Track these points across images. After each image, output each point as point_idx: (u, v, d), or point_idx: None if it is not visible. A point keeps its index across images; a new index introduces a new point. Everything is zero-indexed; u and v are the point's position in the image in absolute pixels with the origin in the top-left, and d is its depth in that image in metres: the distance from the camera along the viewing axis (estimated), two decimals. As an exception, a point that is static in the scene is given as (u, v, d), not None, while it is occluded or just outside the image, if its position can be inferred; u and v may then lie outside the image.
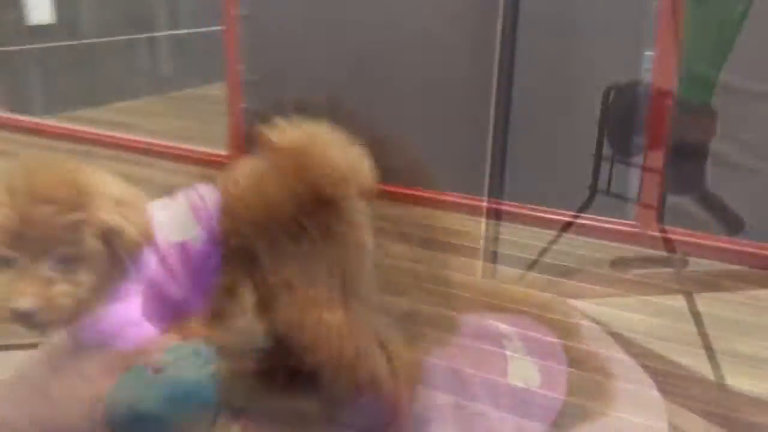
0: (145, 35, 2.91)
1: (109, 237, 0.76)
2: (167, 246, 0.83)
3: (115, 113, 2.65)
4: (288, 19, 1.80)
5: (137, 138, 2.14)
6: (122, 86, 2.84)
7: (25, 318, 0.71)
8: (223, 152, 1.97)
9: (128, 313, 0.79)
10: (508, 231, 1.45)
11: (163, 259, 0.82)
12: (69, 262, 0.73)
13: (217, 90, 3.09)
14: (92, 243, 0.74)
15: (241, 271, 0.82)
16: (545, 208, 1.46)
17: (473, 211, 1.58)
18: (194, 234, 0.84)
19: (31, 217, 0.71)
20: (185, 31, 3.07)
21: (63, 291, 0.72)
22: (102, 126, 2.29)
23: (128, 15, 2.84)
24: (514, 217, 1.47)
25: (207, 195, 0.88)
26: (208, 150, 2.00)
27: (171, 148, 2.06)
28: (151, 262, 0.82)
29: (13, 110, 2.38)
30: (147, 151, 2.10)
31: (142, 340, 0.79)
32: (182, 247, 0.83)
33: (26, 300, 0.70)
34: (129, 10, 2.84)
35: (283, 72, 1.84)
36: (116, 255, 0.77)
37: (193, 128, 2.45)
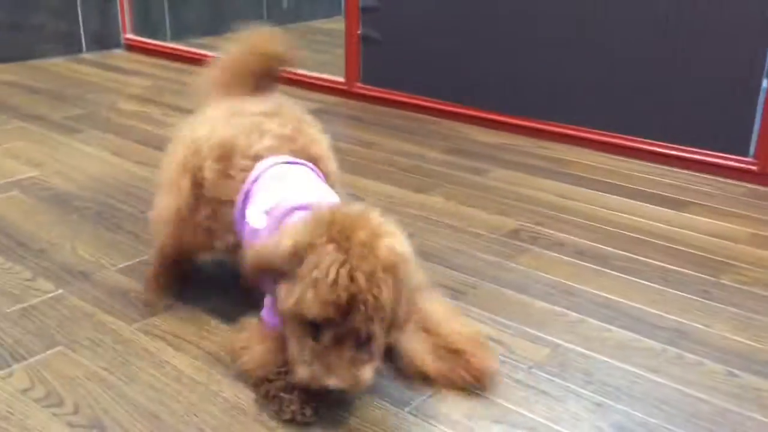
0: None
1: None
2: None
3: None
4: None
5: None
6: (242, 16, 2.94)
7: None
8: (339, 79, 2.04)
9: None
10: None
11: None
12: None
13: (333, 23, 3.15)
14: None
15: None
16: None
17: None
18: None
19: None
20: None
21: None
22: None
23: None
24: None
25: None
26: (325, 76, 2.08)
27: (292, 74, 2.14)
28: None
29: (144, 35, 2.53)
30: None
31: None
32: None
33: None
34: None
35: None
36: None
37: (310, 57, 2.52)
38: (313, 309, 0.69)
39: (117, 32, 2.50)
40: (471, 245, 1.17)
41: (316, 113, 1.84)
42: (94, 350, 0.87)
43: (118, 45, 2.51)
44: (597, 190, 1.42)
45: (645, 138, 1.58)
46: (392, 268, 0.72)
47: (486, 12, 1.73)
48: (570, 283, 1.06)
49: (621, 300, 1.02)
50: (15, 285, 1.01)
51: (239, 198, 0.88)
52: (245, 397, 0.80)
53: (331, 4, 3.28)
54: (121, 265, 1.07)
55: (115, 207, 1.27)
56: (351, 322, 0.69)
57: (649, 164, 1.57)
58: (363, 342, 0.71)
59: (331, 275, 0.69)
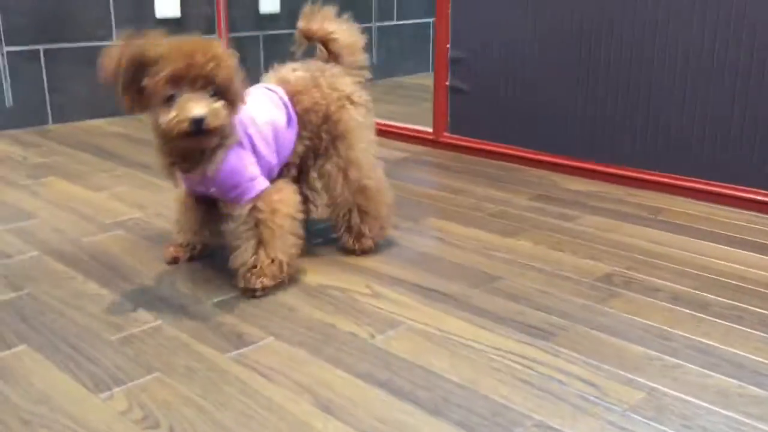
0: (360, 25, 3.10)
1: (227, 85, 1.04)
2: (263, 123, 1.16)
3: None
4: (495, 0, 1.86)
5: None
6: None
7: (198, 123, 0.99)
8: (427, 129, 2.08)
9: (245, 165, 1.11)
10: None
11: (260, 132, 1.15)
12: (215, 95, 1.02)
13: (422, 79, 3.22)
14: (224, 84, 1.03)
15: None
16: None
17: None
18: (279, 117, 1.19)
19: (192, 64, 0.99)
20: (396, 22, 3.24)
21: (219, 105, 1.02)
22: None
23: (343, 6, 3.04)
24: None
25: (282, 93, 1.22)
26: (414, 127, 2.12)
27: (382, 125, 2.20)
28: (252, 132, 1.14)
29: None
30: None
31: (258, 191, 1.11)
32: (272, 125, 1.17)
33: (199, 108, 0.99)
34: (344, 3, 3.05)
35: (488, 50, 1.90)
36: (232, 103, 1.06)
37: (398, 110, 2.58)
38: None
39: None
40: (561, 288, 1.16)
41: (405, 162, 1.90)
42: (189, 377, 0.90)
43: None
44: (692, 237, 1.38)
45: (741, 185, 1.53)
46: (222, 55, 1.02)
47: (573, 59, 1.74)
48: (666, 328, 1.03)
49: (721, 346, 0.98)
50: (118, 315, 1.06)
51: None
52: (333, 428, 0.81)
53: (419, 60, 3.36)
54: (216, 300, 1.11)
55: (212, 247, 1.32)
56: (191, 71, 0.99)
57: (745, 212, 1.51)
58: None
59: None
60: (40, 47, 2.22)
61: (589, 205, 1.57)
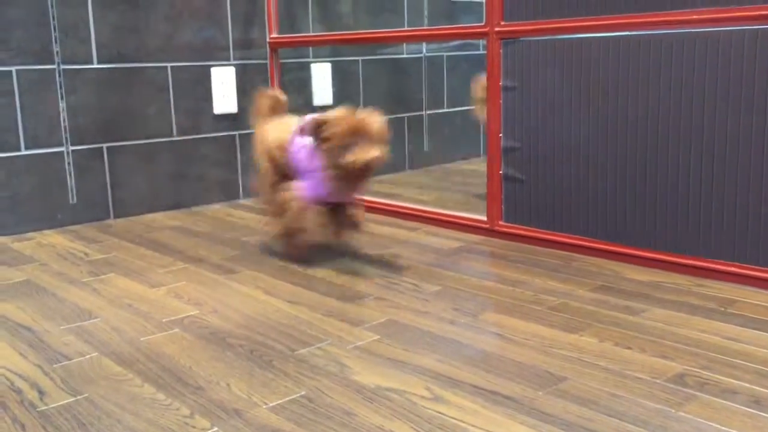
0: (408, 114, 3.15)
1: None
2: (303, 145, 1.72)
3: (379, 185, 2.87)
4: (546, 88, 1.87)
5: (402, 204, 2.32)
6: (388, 160, 3.08)
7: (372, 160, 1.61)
8: (481, 218, 2.06)
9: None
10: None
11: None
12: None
13: (472, 165, 3.24)
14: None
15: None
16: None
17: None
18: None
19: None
20: (443, 110, 3.28)
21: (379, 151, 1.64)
22: (369, 194, 2.51)
23: (396, 98, 3.10)
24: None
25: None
26: (468, 215, 2.11)
27: (435, 213, 2.20)
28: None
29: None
30: (411, 216, 2.26)
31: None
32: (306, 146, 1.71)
33: (374, 152, 1.61)
34: (397, 94, 3.11)
35: (540, 138, 1.90)
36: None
37: (450, 198, 2.58)
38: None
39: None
40: (631, 390, 1.10)
41: (460, 252, 1.87)
42: (245, 491, 0.87)
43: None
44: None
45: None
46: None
47: (631, 145, 1.71)
48: (749, 436, 0.96)
49: (813, 458, 0.90)
50: (174, 421, 1.04)
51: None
52: None
53: (470, 145, 3.38)
54: (272, 404, 1.08)
55: (266, 345, 1.31)
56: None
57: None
58: None
59: None
60: (104, 145, 2.31)
61: (654, 296, 1.51)
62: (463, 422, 1.01)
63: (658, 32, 1.63)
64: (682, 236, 1.65)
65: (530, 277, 1.66)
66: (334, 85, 2.86)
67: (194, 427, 1.02)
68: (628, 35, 1.69)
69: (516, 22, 1.89)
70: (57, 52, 2.18)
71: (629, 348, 1.25)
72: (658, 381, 1.12)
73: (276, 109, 1.95)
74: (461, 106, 3.33)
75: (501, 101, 1.96)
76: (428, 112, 3.22)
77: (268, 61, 2.63)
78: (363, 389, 1.12)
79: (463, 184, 2.85)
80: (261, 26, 2.61)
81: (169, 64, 2.41)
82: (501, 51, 1.93)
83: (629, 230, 1.74)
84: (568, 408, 1.05)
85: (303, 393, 1.12)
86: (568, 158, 1.85)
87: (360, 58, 2.95)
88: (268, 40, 2.62)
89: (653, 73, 1.65)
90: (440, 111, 3.28)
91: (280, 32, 2.63)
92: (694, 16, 1.56)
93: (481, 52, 3.36)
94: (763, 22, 1.48)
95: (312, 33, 2.77)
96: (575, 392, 1.10)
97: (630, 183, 1.73)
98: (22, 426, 1.04)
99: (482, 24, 1.96)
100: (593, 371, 1.17)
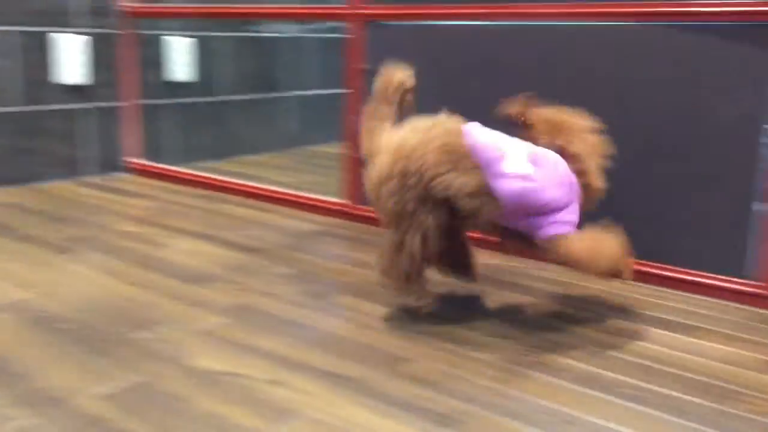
0: (272, 95, 3.10)
1: None
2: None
3: (241, 165, 2.81)
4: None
5: (261, 186, 2.27)
6: (249, 141, 3.02)
7: None
8: (339, 201, 2.05)
9: None
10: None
11: None
12: None
13: (334, 148, 3.23)
14: None
15: None
16: None
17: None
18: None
19: None
20: (308, 92, 3.25)
21: None
22: (229, 175, 2.45)
23: (258, 77, 3.04)
24: None
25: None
26: (326, 198, 2.10)
27: (295, 196, 2.17)
28: None
29: (152, 158, 2.59)
30: (269, 198, 2.22)
31: None
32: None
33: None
34: (259, 73, 3.04)
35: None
36: None
37: (314, 180, 2.56)
38: None
39: (119, 155, 2.55)
40: (468, 370, 1.13)
41: (316, 235, 1.86)
42: (61, 485, 0.82)
43: (121, 168, 2.56)
44: (604, 315, 1.38)
45: (646, 260, 1.56)
46: None
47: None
48: (570, 411, 1.01)
49: (624, 430, 0.96)
50: (-12, 412, 0.96)
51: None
52: None
53: (334, 128, 3.37)
54: (101, 392, 1.02)
55: (102, 330, 1.24)
56: None
57: (654, 287, 1.54)
58: None
59: None
60: (-69, 113, 2.10)
61: (499, 280, 1.56)
62: (302, 405, 1.00)
63: (517, 23, 1.69)
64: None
65: (383, 260, 1.67)
66: (198, 61, 2.75)
67: (11, 418, 0.95)
68: (488, 24, 1.74)
69: (378, 5, 1.89)
70: None
71: (472, 330, 1.29)
72: (494, 360, 1.16)
73: (401, 103, 1.39)
74: (328, 88, 3.31)
75: (361, 84, 1.96)
76: (295, 93, 3.18)
77: (123, 32, 2.49)
78: (202, 374, 1.09)
79: (324, 167, 2.83)
80: (114, -6, 2.47)
81: (11, 28, 2.22)
82: (363, 34, 1.93)
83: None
84: (407, 388, 1.06)
85: (138, 380, 1.06)
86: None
87: (228, 35, 2.85)
88: (122, 7, 2.47)
89: (511, 61, 1.70)
90: (306, 93, 3.24)
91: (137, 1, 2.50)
92: (549, 10, 1.62)
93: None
94: (606, 18, 1.56)
95: (171, 4, 2.65)
96: (416, 373, 1.11)
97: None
98: None
99: (345, 5, 1.94)
100: (437, 352, 1.19)
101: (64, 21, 2.35)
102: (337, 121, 3.46)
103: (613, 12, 1.54)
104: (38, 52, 2.30)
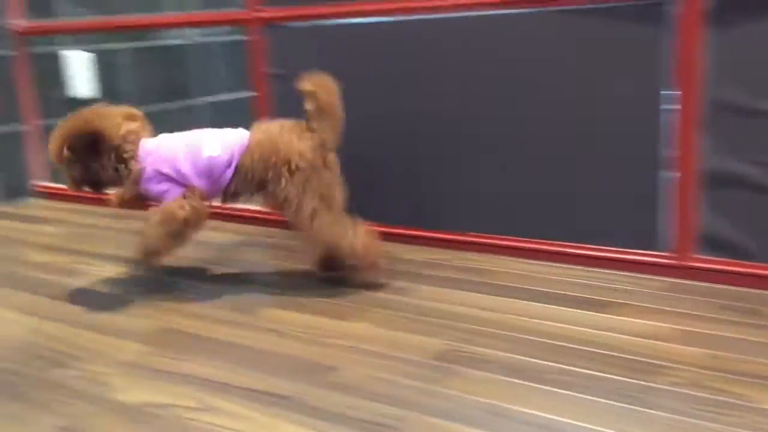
0: (179, 103, 3.02)
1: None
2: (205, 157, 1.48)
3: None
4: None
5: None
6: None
7: None
8: (257, 207, 2.02)
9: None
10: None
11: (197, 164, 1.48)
12: None
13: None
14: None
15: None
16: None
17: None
18: (219, 154, 1.48)
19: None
20: (217, 98, 3.19)
21: None
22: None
23: (163, 85, 2.96)
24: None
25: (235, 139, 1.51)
26: (249, 207, 2.06)
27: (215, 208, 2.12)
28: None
29: (59, 180, 2.48)
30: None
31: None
32: (210, 158, 1.48)
33: None
34: (163, 82, 2.96)
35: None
36: None
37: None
38: None
39: (26, 180, 2.45)
40: (395, 372, 1.13)
41: (239, 246, 1.83)
42: None
43: (28, 193, 2.45)
44: (518, 299, 1.41)
45: (558, 240, 1.60)
46: None
47: (393, 129, 1.77)
48: (502, 404, 1.03)
49: (555, 417, 0.99)
50: None
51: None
52: None
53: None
54: None
55: (16, 372, 1.18)
56: None
57: (565, 266, 1.58)
58: None
59: None
60: None
61: (423, 274, 1.57)
62: (233, 430, 0.99)
63: (415, 18, 1.69)
64: (443, 213, 1.74)
65: (306, 267, 1.66)
66: (101, 75, 2.65)
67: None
68: (387, 21, 1.74)
69: (276, 8, 1.86)
70: None
71: (398, 330, 1.29)
72: (423, 360, 1.17)
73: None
74: (235, 92, 3.25)
75: (269, 89, 1.93)
76: (201, 100, 3.11)
77: (14, 52, 2.37)
78: (127, 409, 1.06)
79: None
80: (2, 12, 2.35)
81: None
82: (264, 37, 1.90)
83: (399, 211, 1.80)
84: (335, 398, 1.06)
85: (60, 424, 1.02)
86: (346, 144, 1.87)
87: (121, 46, 2.76)
88: (10, 26, 2.36)
89: (411, 59, 1.71)
90: (215, 99, 3.18)
91: (28, 18, 2.39)
92: (448, 2, 1.63)
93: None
94: (500, 7, 1.58)
95: (63, 19, 2.54)
96: (343, 381, 1.11)
97: (393, 166, 1.78)
98: None
99: (242, 11, 1.91)
100: (363, 357, 1.19)
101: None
102: (247, 125, 3.40)
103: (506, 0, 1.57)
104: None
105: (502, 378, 1.10)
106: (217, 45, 3.18)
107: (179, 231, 1.49)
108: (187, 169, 1.47)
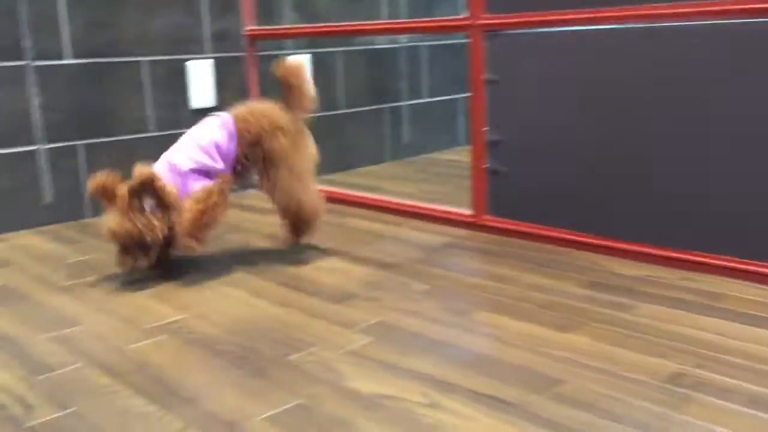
0: (388, 105, 3.12)
1: None
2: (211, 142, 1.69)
3: (361, 177, 2.85)
4: (532, 81, 1.85)
5: (387, 198, 2.29)
6: (365, 153, 3.06)
7: None
8: (467, 212, 2.04)
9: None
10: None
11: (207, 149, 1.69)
12: None
13: (453, 155, 3.22)
14: None
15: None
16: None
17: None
18: (221, 138, 1.70)
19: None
20: (424, 100, 3.26)
21: None
22: (350, 188, 2.49)
23: (372, 88, 3.07)
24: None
25: (228, 118, 1.73)
26: (453, 209, 2.09)
27: (418, 207, 2.18)
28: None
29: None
30: (397, 210, 2.24)
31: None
32: (216, 144, 1.70)
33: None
34: (375, 85, 3.07)
35: (527, 131, 1.89)
36: None
37: (434, 189, 2.57)
38: None
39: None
40: (629, 392, 1.09)
41: (446, 248, 1.86)
42: None
43: (253, 186, 2.64)
44: (759, 327, 1.31)
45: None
46: None
47: (620, 137, 1.71)
48: (749, 438, 0.96)
49: (814, 460, 0.91)
50: (167, 436, 1.02)
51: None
52: None
53: (450, 136, 3.37)
54: (267, 414, 1.06)
55: (257, 351, 1.28)
56: None
57: None
58: None
59: None
60: (79, 142, 2.25)
61: (644, 292, 1.51)
62: (466, 430, 1.00)
63: (642, 26, 1.63)
64: (670, 229, 1.65)
65: (518, 273, 1.65)
66: (315, 76, 2.82)
67: (188, 441, 1.00)
68: (611, 28, 1.68)
69: (499, 15, 1.87)
70: (28, 48, 2.11)
71: (622, 347, 1.25)
72: (654, 382, 1.12)
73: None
74: (441, 95, 3.31)
75: (485, 94, 1.94)
76: (408, 102, 3.20)
77: (245, 54, 2.58)
78: (359, 397, 1.11)
79: (444, 175, 2.83)
80: (237, 18, 2.56)
81: (144, 59, 2.35)
82: (484, 44, 1.91)
83: (617, 224, 1.74)
84: (567, 412, 1.04)
85: (298, 402, 1.10)
86: (555, 151, 1.84)
87: (339, 49, 2.91)
88: (245, 32, 2.57)
89: (640, 66, 1.64)
90: (420, 101, 3.25)
91: (257, 24, 2.58)
92: (677, 10, 1.55)
93: (462, 41, 3.34)
94: (733, 16, 1.48)
95: (290, 24, 2.72)
96: (572, 395, 1.09)
97: (617, 176, 1.72)
98: (9, 445, 1.01)
99: (465, 17, 1.94)
100: (588, 372, 1.16)
101: (195, 48, 2.46)
102: (450, 129, 3.45)
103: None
104: (174, 79, 2.42)
105: (746, 410, 1.03)
106: (423, 48, 3.25)
107: (214, 207, 1.65)
108: (208, 159, 1.67)
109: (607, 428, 0.99)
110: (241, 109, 1.75)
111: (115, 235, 1.58)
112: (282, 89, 1.77)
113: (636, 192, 1.69)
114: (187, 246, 1.63)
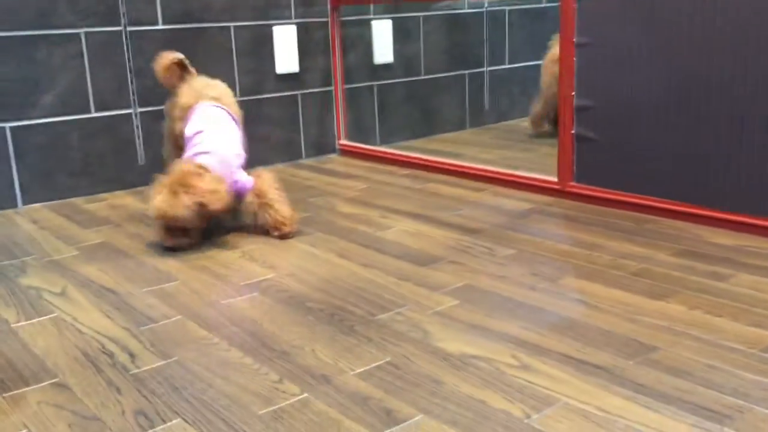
0: (469, 71, 3.09)
1: None
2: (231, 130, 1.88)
3: (439, 143, 2.84)
4: (622, 45, 1.79)
5: (470, 165, 2.28)
6: (446, 120, 3.04)
7: None
8: (552, 178, 2.01)
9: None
10: None
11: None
12: None
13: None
14: None
15: None
16: None
17: None
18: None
19: None
20: (507, 66, 3.20)
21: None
22: (432, 154, 2.48)
23: (457, 55, 3.04)
24: None
25: (227, 109, 1.93)
26: (537, 176, 2.06)
27: (502, 174, 2.16)
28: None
29: (358, 139, 2.69)
30: (480, 177, 2.22)
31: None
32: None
33: None
34: (457, 51, 3.04)
35: (615, 96, 1.84)
36: None
37: (516, 156, 2.54)
38: None
39: (333, 139, 2.68)
40: (728, 361, 1.06)
41: (531, 214, 1.84)
42: (343, 459, 0.87)
43: (333, 150, 2.68)
44: None
45: None
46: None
47: (711, 102, 1.64)
48: None
49: None
50: (264, 387, 1.05)
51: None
52: None
53: (530, 103, 3.31)
54: (358, 370, 1.09)
55: (346, 309, 1.31)
56: None
57: None
58: None
59: None
60: (170, 106, 2.32)
61: (739, 261, 1.46)
62: (556, 392, 1.00)
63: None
64: (766, 197, 1.59)
65: (606, 241, 1.62)
66: (394, 42, 2.81)
67: (284, 392, 1.03)
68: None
69: (592, -25, 1.81)
70: (123, 14, 2.18)
71: (720, 316, 1.22)
72: (752, 351, 1.09)
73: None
74: (522, 62, 3.25)
75: (574, 59, 1.90)
76: (489, 68, 3.15)
77: (328, 20, 2.59)
78: (449, 356, 1.12)
79: (525, 142, 2.79)
80: (321, -17, 2.57)
81: (232, 24, 2.39)
82: (575, 6, 1.86)
83: (709, 191, 1.68)
84: (663, 379, 1.02)
85: (388, 359, 1.11)
86: (644, 117, 1.79)
87: (420, 14, 2.88)
88: (328, -3, 2.58)
89: (735, 29, 1.57)
90: (501, 67, 3.20)
91: (340, -11, 2.59)
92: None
93: (543, 5, 3.25)
94: None
95: (372, -11, 2.71)
96: (668, 362, 1.07)
97: (709, 142, 1.66)
98: (118, 389, 1.06)
99: (555, -23, 1.88)
100: (684, 340, 1.14)
101: (281, 14, 2.48)
102: (532, 96, 3.37)
103: None
104: (260, 45, 2.46)
105: None
106: (505, 13, 3.19)
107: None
108: (240, 148, 1.84)
109: (705, 395, 0.97)
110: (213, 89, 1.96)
111: (164, 216, 1.61)
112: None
113: (728, 158, 1.63)
114: (293, 232, 1.76)
